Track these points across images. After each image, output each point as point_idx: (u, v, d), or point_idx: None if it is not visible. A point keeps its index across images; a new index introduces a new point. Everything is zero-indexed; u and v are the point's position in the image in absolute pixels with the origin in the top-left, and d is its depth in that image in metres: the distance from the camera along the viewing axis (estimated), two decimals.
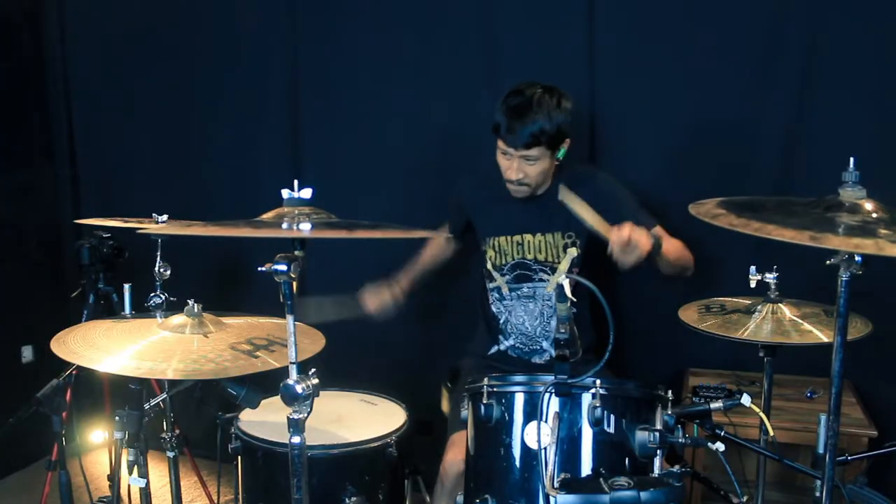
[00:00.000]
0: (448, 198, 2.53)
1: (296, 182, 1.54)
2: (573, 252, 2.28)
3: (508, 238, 2.34)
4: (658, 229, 2.21)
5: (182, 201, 3.09)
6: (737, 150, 2.57)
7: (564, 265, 2.30)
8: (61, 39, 3.34)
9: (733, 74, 2.53)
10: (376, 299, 2.44)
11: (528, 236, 2.33)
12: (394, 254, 2.60)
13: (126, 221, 2.42)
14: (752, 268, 1.95)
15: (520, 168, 2.19)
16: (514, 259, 2.35)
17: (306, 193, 1.52)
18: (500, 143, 2.20)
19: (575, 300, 1.49)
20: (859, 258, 1.34)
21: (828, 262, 1.38)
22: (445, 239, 2.59)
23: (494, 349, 2.42)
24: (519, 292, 2.36)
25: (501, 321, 2.39)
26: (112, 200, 3.31)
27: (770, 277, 1.96)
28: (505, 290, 2.37)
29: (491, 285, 2.40)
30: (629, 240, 1.90)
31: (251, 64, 3.08)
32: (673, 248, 2.17)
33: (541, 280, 2.33)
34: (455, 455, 2.02)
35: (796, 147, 2.52)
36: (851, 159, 1.42)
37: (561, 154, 2.23)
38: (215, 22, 3.11)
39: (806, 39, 2.45)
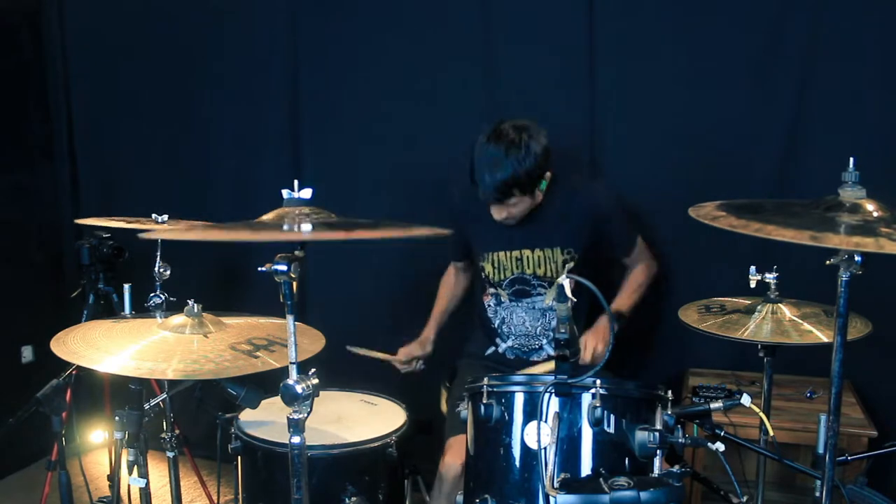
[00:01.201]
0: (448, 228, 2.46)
1: (296, 182, 1.53)
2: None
3: (507, 253, 2.33)
4: (639, 241, 2.42)
5: (182, 201, 3.09)
6: (737, 150, 2.57)
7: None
8: (61, 39, 3.34)
9: (733, 74, 2.53)
10: (409, 360, 2.46)
11: (526, 251, 2.32)
12: (395, 249, 2.58)
13: (129, 222, 2.42)
14: (753, 268, 1.95)
15: (501, 210, 2.21)
16: (513, 274, 2.34)
17: (306, 193, 1.52)
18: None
19: (575, 300, 1.49)
20: (859, 258, 1.33)
21: (828, 261, 1.38)
22: (455, 270, 2.59)
23: (492, 350, 2.42)
24: (518, 303, 2.36)
25: (498, 324, 2.39)
26: (112, 200, 3.30)
27: (770, 277, 1.95)
28: (504, 298, 2.37)
29: (490, 291, 2.40)
30: (593, 355, 2.16)
31: (251, 64, 3.08)
32: (631, 297, 2.37)
33: (539, 294, 2.33)
34: (452, 458, 2.03)
35: (796, 147, 2.52)
36: (851, 159, 1.42)
37: (542, 187, 2.22)
38: (215, 22, 3.11)
39: (806, 39, 2.45)
